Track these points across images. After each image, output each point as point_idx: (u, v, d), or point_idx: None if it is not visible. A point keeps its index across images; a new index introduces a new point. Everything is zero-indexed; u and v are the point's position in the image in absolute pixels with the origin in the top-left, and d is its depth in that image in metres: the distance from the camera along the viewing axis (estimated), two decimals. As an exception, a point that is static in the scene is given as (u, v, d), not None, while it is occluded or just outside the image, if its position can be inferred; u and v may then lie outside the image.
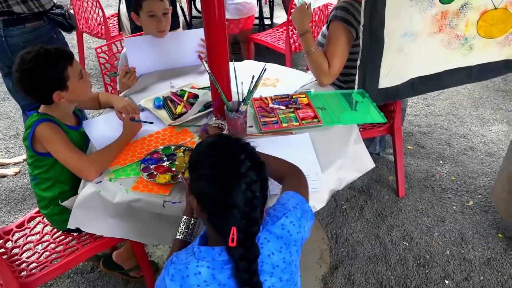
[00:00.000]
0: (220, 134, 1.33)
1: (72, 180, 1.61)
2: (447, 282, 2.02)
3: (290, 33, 3.51)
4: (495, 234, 2.26)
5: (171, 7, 2.14)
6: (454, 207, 2.45)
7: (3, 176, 2.81)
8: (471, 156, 2.88)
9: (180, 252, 1.02)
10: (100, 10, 3.71)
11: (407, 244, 2.23)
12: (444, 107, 3.49)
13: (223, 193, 0.95)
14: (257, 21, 4.76)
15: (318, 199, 1.38)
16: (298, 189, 1.14)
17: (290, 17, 3.32)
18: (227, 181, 0.95)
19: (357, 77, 1.92)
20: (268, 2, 4.99)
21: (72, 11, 3.49)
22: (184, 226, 1.22)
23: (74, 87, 1.53)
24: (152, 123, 1.72)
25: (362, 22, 1.79)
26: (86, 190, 1.44)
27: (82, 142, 1.69)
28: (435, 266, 2.10)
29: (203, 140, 1.11)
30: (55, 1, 2.37)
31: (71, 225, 1.47)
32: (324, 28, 2.16)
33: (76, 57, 3.99)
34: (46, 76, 1.47)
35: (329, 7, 3.48)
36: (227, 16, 3.51)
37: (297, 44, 3.59)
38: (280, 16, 5.39)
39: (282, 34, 3.84)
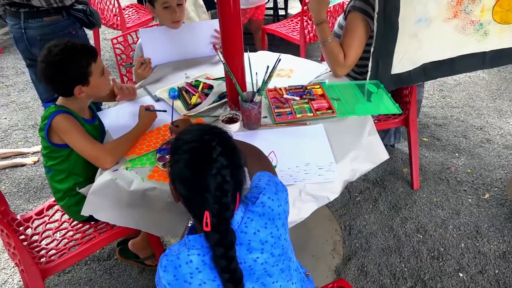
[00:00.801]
0: (196, 123, 1.37)
1: (86, 171, 1.65)
2: (461, 275, 2.01)
3: (305, 23, 3.48)
4: (511, 228, 2.23)
5: None
6: (470, 200, 2.43)
7: (23, 165, 2.88)
8: (488, 148, 2.84)
9: (173, 245, 1.05)
10: (115, 1, 3.73)
11: (421, 236, 2.22)
12: (460, 99, 3.44)
13: (194, 177, 0.98)
14: (271, 12, 4.74)
15: (331, 190, 1.39)
16: (262, 167, 1.19)
17: (305, 7, 3.30)
18: (198, 166, 0.98)
19: (370, 63, 1.91)
20: (282, -7, 4.97)
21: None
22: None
23: (95, 83, 1.57)
24: (165, 111, 1.74)
25: (376, 9, 1.77)
26: (102, 177, 1.46)
27: (97, 135, 1.72)
28: (449, 258, 2.09)
29: (175, 134, 1.13)
30: None
31: (84, 212, 1.50)
32: (341, 18, 2.14)
33: (92, 48, 4.07)
34: (70, 70, 1.50)
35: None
36: None
37: (311, 35, 3.57)
38: (294, 7, 5.35)
39: (297, 25, 3.82)
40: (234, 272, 0.96)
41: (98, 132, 1.74)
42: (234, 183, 0.99)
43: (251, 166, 1.25)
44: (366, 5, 1.92)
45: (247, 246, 1.00)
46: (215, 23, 2.15)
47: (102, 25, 4.05)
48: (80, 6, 2.34)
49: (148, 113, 1.68)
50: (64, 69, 1.49)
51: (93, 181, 1.50)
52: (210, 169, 0.96)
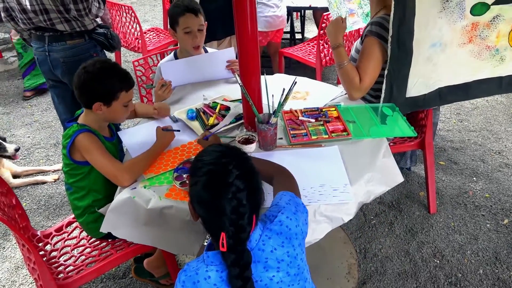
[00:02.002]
0: (218, 144, 1.39)
1: (106, 189, 1.69)
2: (480, 301, 1.97)
3: (321, 47, 3.54)
4: (531, 254, 2.18)
5: (205, 22, 2.22)
6: (488, 225, 2.39)
7: (44, 183, 2.95)
8: (507, 173, 2.80)
9: (191, 261, 1.07)
10: (137, 25, 3.86)
11: (438, 261, 2.18)
12: (478, 123, 3.41)
13: (211, 200, 1.00)
14: (288, 36, 4.83)
15: (346, 211, 1.39)
16: (287, 187, 1.20)
17: (321, 31, 3.36)
18: (215, 189, 1.00)
19: (383, 87, 1.92)
20: (299, 17, 5.06)
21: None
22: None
23: (116, 108, 1.63)
24: (179, 130, 1.79)
25: (390, 33, 1.80)
26: (121, 195, 1.50)
27: (116, 153, 1.77)
28: (468, 285, 2.04)
29: (203, 147, 1.15)
30: (99, 22, 2.49)
31: (103, 229, 1.53)
32: (358, 42, 2.17)
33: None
34: (101, 84, 1.58)
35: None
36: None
37: (327, 58, 3.62)
38: (311, 31, 5.44)
39: (313, 49, 3.88)
40: None
41: (116, 149, 1.80)
42: (251, 206, 1.01)
43: (276, 184, 1.27)
44: (383, 30, 1.95)
45: (264, 264, 1.01)
46: (231, 52, 2.23)
47: (123, 48, 4.20)
48: (101, 30, 2.44)
49: (165, 133, 1.72)
50: (96, 80, 1.57)
51: (112, 199, 1.54)
52: (226, 193, 0.98)
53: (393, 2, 1.75)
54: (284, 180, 1.29)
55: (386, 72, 1.89)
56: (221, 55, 2.29)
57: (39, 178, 2.98)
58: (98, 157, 1.57)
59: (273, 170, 1.32)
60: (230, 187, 0.99)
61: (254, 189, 1.04)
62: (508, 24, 1.90)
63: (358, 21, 2.84)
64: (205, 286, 0.99)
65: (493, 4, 1.83)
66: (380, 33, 1.95)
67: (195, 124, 1.87)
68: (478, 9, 1.83)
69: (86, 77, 1.57)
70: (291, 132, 1.73)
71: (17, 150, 2.86)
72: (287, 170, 1.33)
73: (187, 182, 1.48)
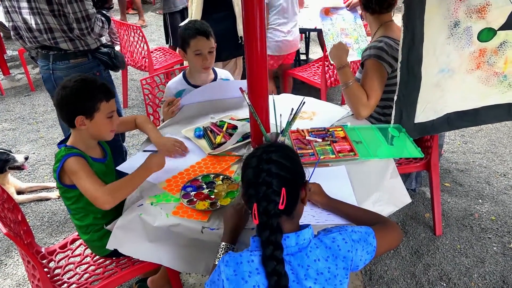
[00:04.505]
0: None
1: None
2: (488, 326, 1.93)
3: (326, 68, 3.58)
4: (539, 279, 2.15)
5: (216, 44, 2.25)
6: (495, 248, 2.37)
7: (47, 199, 2.95)
8: (512, 195, 2.79)
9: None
10: (145, 45, 3.92)
11: (444, 284, 2.16)
12: (482, 145, 3.41)
13: (245, 175, 1.13)
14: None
15: (354, 232, 1.38)
16: (378, 230, 1.18)
17: (326, 53, 3.40)
18: (249, 166, 1.12)
19: (393, 112, 1.94)
20: (304, 38, 5.12)
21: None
22: (222, 252, 1.25)
23: (99, 120, 1.61)
24: (156, 151, 1.72)
25: (400, 59, 1.83)
26: (128, 212, 1.50)
27: (110, 173, 1.76)
28: (475, 309, 2.02)
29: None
30: (104, 41, 2.53)
31: (110, 246, 1.52)
32: (359, 70, 2.22)
33: (120, 87, 4.24)
34: (80, 98, 1.57)
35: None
36: (268, 52, 3.62)
37: (332, 79, 3.66)
38: (315, 52, 5.50)
39: (318, 69, 3.92)
40: (281, 276, 1.00)
41: (110, 170, 1.77)
42: (279, 179, 1.07)
43: (364, 220, 1.28)
44: (380, 50, 2.02)
45: (305, 270, 1.04)
46: (245, 84, 2.28)
47: (130, 66, 4.25)
48: (105, 49, 2.47)
49: (153, 155, 1.63)
50: (74, 95, 1.56)
51: (112, 216, 1.53)
52: (258, 167, 1.09)
53: (402, 28, 1.78)
54: (381, 226, 1.24)
55: (395, 97, 1.91)
56: (235, 84, 2.30)
57: (43, 194, 2.98)
58: (81, 181, 1.52)
59: (374, 219, 1.29)
60: (261, 163, 1.09)
61: (284, 166, 1.09)
62: None
63: (353, 54, 2.87)
64: (247, 268, 1.03)
65: (500, 29, 1.85)
66: (378, 54, 2.01)
67: (202, 143, 1.88)
68: (485, 35, 1.86)
69: (64, 93, 1.57)
70: (298, 151, 1.73)
71: (26, 158, 2.89)
72: (393, 223, 1.29)
73: (195, 200, 1.49)
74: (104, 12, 2.44)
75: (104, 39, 2.54)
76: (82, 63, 2.40)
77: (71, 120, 1.59)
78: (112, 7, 2.60)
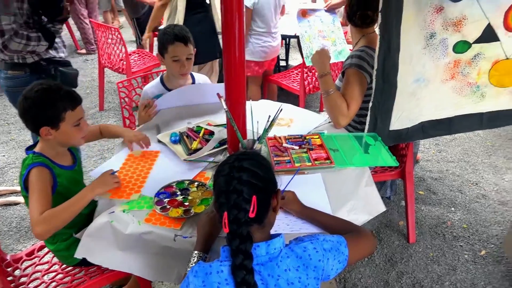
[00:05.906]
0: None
1: None
2: (459, 334, 1.96)
3: (305, 75, 3.59)
4: (508, 286, 2.19)
5: (195, 49, 2.22)
6: (466, 256, 2.41)
7: (16, 204, 2.85)
8: (484, 204, 2.85)
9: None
10: (123, 47, 3.85)
11: (417, 292, 2.18)
12: (456, 154, 3.48)
13: (216, 184, 1.11)
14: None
15: (328, 240, 1.38)
16: (351, 239, 1.17)
17: (303, 59, 3.41)
18: (221, 174, 1.10)
19: (368, 119, 1.95)
20: (284, 45, 5.14)
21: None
22: (195, 261, 1.22)
23: (65, 130, 1.54)
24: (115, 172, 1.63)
25: (375, 66, 1.85)
26: (98, 219, 1.45)
27: (80, 179, 1.71)
28: (447, 316, 2.04)
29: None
30: (57, 56, 2.40)
31: (78, 254, 1.46)
32: (339, 77, 2.22)
33: (96, 90, 4.15)
34: (43, 109, 1.50)
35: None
36: (253, 58, 3.60)
37: (311, 86, 3.67)
38: (295, 59, 5.53)
39: (297, 76, 3.93)
40: (250, 286, 0.98)
41: (80, 176, 1.73)
42: (250, 187, 1.05)
43: (338, 229, 1.27)
44: (361, 60, 2.02)
45: (275, 281, 1.02)
46: (222, 87, 2.26)
47: (108, 68, 4.17)
48: (49, 66, 2.35)
49: (104, 178, 1.54)
50: (36, 106, 1.50)
51: (79, 225, 1.47)
52: (228, 174, 1.08)
53: (378, 37, 1.80)
54: (354, 235, 1.23)
55: (370, 104, 1.93)
56: (212, 88, 2.29)
57: (12, 198, 2.88)
58: (31, 199, 1.45)
59: (350, 229, 1.28)
60: (232, 171, 1.07)
61: (255, 174, 1.08)
62: (489, 62, 1.97)
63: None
64: (216, 279, 1.01)
65: (474, 42, 1.90)
66: (359, 64, 2.02)
67: (178, 148, 1.85)
68: (460, 47, 1.90)
69: (26, 105, 1.50)
70: (275, 158, 1.72)
71: None
72: (366, 232, 1.27)
73: (168, 207, 1.46)
74: (50, 26, 2.30)
75: (59, 54, 2.42)
76: (19, 76, 2.32)
77: (36, 130, 1.53)
78: (68, 18, 2.48)
